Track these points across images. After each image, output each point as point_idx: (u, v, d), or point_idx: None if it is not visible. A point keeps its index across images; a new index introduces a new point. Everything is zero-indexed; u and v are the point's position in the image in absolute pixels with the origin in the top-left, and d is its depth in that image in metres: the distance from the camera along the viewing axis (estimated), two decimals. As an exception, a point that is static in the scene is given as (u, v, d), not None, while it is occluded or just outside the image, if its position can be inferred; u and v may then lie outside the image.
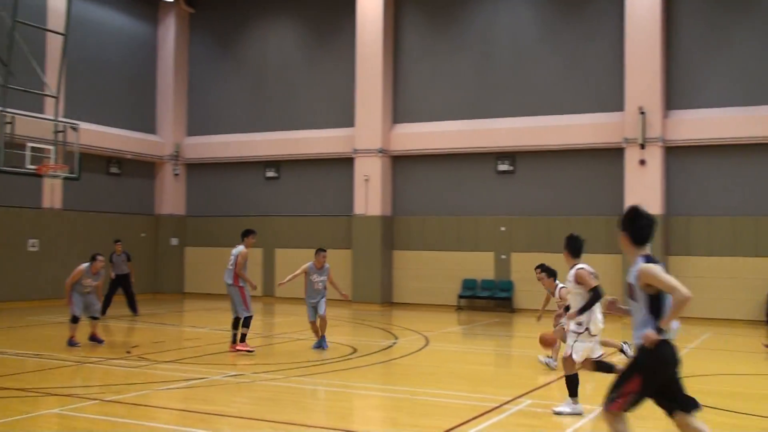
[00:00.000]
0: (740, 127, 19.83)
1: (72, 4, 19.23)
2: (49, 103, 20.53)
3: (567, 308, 9.29)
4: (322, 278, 13.89)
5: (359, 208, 23.55)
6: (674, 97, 20.63)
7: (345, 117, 24.31)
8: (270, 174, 25.83)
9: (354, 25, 23.88)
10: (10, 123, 16.29)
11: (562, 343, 10.74)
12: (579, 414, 8.70)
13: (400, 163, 23.87)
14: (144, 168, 26.59)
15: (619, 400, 5.66)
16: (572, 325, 9.03)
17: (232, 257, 13.30)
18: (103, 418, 8.36)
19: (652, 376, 5.62)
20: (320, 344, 13.82)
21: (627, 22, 20.53)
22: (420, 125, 23.49)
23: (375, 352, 13.83)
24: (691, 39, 20.63)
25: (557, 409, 8.82)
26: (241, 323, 13.21)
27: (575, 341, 8.94)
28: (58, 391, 9.81)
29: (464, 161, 22.98)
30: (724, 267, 19.89)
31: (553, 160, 21.99)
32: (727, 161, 20.16)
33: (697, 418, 5.72)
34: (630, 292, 5.76)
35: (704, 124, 20.18)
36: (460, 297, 22.62)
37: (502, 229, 22.40)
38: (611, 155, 21.14)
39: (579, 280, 9.02)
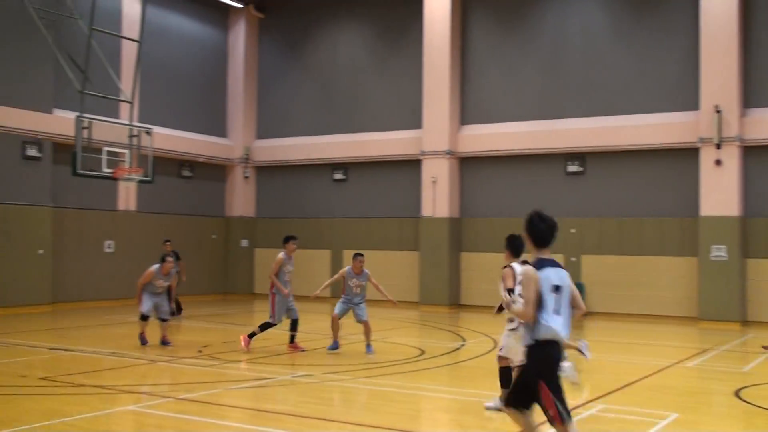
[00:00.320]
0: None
1: (146, 12, 19.71)
2: (124, 108, 21.12)
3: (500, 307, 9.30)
4: (361, 283, 13.64)
5: (427, 210, 23.50)
6: (752, 96, 19.98)
7: (412, 119, 24.30)
8: (338, 176, 26.00)
9: (421, 26, 23.86)
10: (87, 128, 16.76)
11: None
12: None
13: (468, 164, 23.73)
14: (215, 171, 27.09)
15: (551, 412, 5.85)
16: (506, 323, 9.13)
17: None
18: (176, 415, 8.52)
19: (530, 374, 5.93)
20: (335, 346, 13.57)
21: (702, 18, 19.98)
22: (488, 126, 23.32)
23: (443, 355, 13.77)
24: (770, 35, 19.99)
25: (489, 405, 8.97)
26: (259, 326, 13.52)
27: (506, 338, 9.10)
28: (133, 389, 10.05)
29: (533, 162, 22.72)
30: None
31: (625, 161, 21.55)
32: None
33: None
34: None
35: (784, 122, 19.54)
36: (529, 299, 22.32)
37: (572, 231, 22.06)
38: (685, 155, 20.61)
39: (503, 278, 8.84)
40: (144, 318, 13.95)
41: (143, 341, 13.92)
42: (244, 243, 27.05)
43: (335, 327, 13.59)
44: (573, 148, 21.96)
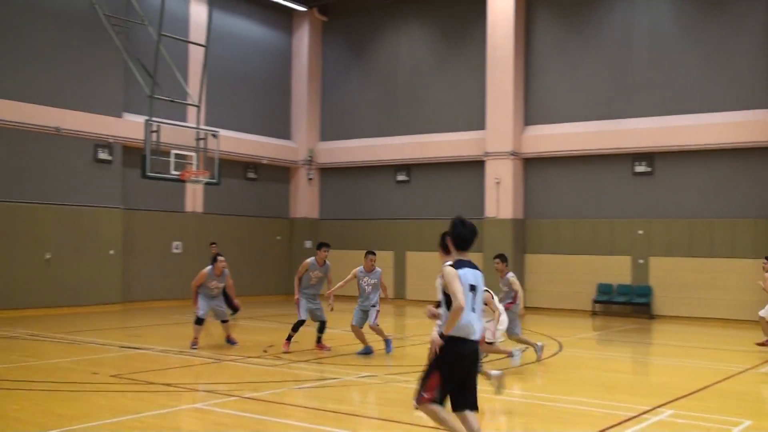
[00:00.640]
0: None
1: (212, 17, 20.05)
2: (192, 111, 21.53)
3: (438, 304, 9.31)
4: (372, 281, 13.41)
5: (490, 211, 23.34)
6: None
7: (476, 120, 24.17)
8: (401, 177, 26.02)
9: (485, 26, 23.72)
10: (155, 131, 17.13)
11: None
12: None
13: (533, 165, 23.49)
14: (279, 173, 27.40)
15: (425, 395, 6.30)
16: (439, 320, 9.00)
17: None
18: (241, 414, 8.62)
19: (448, 370, 6.26)
20: (368, 350, 13.24)
21: (775, 13, 19.39)
22: (553, 126, 23.04)
23: (506, 357, 13.62)
24: None
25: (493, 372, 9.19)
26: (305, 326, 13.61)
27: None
28: (199, 387, 10.22)
29: (599, 163, 22.36)
30: None
31: (695, 161, 21.05)
32: None
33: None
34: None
35: None
36: (595, 302, 22.01)
37: (640, 232, 21.64)
38: (757, 155, 20.04)
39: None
40: (199, 322, 13.81)
41: (194, 345, 13.76)
42: (308, 244, 27.26)
43: (359, 335, 13.35)
44: (640, 148, 21.54)
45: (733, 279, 20.26)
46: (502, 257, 13.33)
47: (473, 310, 6.36)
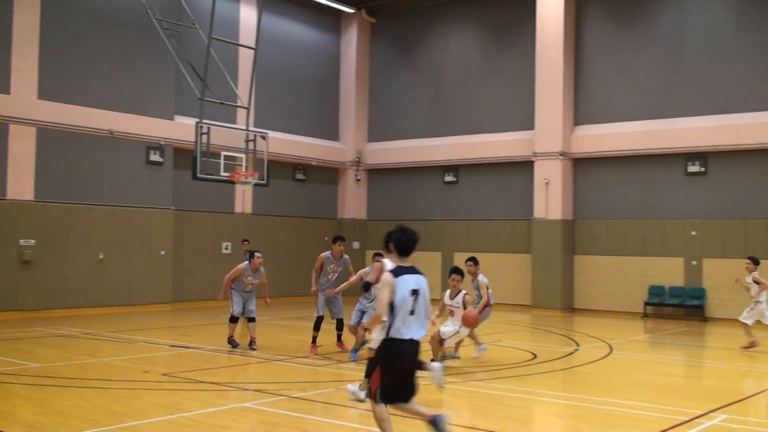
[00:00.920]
0: None
1: (262, 20, 20.22)
2: (241, 113, 21.75)
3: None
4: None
5: (539, 212, 23.14)
6: None
7: (525, 120, 23.98)
8: (449, 178, 25.95)
9: (534, 26, 23.53)
10: (206, 133, 17.31)
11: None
12: (361, 401, 8.98)
13: (582, 165, 23.22)
14: (327, 174, 27.54)
15: (373, 391, 6.71)
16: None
17: None
18: (289, 413, 8.68)
19: (387, 368, 6.66)
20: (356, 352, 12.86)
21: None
22: (603, 126, 22.75)
23: (556, 359, 13.51)
24: None
25: (350, 387, 9.43)
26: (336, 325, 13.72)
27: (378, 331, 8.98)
28: (248, 386, 10.32)
29: (651, 163, 22.01)
30: None
31: (750, 160, 20.58)
32: None
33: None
34: None
35: None
36: (647, 304, 21.67)
37: (693, 233, 21.24)
38: (816, 153, 19.51)
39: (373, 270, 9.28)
40: (234, 320, 13.91)
41: (234, 344, 13.79)
42: (356, 245, 27.35)
43: (359, 335, 12.99)
44: (693, 147, 21.15)
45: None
46: (473, 260, 13.68)
47: (413, 313, 6.67)
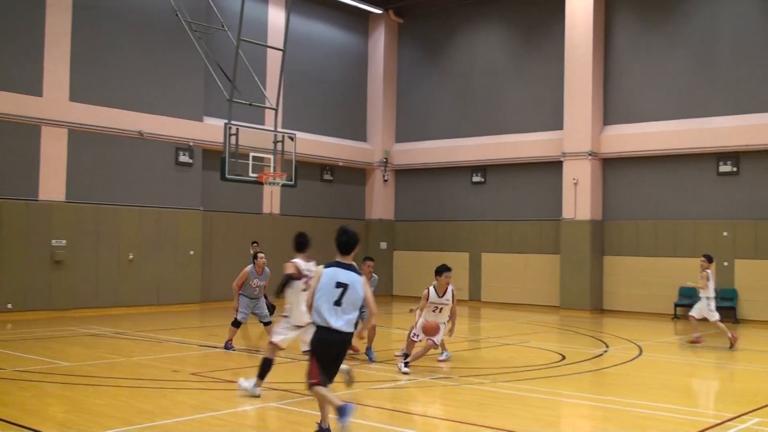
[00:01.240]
0: None
1: (290, 21, 20.30)
2: (269, 114, 21.83)
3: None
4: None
5: (568, 213, 22.99)
6: None
7: (553, 120, 23.85)
8: (476, 179, 25.87)
9: (563, 26, 23.38)
10: (234, 134, 17.41)
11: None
12: (256, 396, 9.29)
13: (612, 165, 23.04)
14: (355, 174, 27.58)
15: (311, 380, 7.29)
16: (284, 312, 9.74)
17: None
18: (316, 413, 8.67)
19: (318, 355, 7.29)
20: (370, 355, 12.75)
21: None
22: (633, 126, 22.55)
23: (584, 360, 13.41)
24: None
25: (241, 381, 9.63)
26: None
27: (280, 326, 9.69)
28: (276, 386, 10.34)
29: (681, 163, 21.78)
30: None
31: (783, 160, 20.29)
32: None
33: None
34: None
35: None
36: (677, 305, 21.43)
37: (725, 234, 20.98)
38: None
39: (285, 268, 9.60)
40: (236, 324, 13.73)
41: (229, 347, 13.61)
42: (384, 245, 27.37)
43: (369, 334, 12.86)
44: (725, 147, 20.89)
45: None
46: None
47: (338, 304, 7.22)
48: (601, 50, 23.05)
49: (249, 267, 14.01)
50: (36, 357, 12.51)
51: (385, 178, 27.72)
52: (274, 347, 9.68)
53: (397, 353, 13.02)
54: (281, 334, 9.66)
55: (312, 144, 24.89)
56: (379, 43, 27.79)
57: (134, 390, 9.94)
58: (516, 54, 25.23)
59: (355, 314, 7.32)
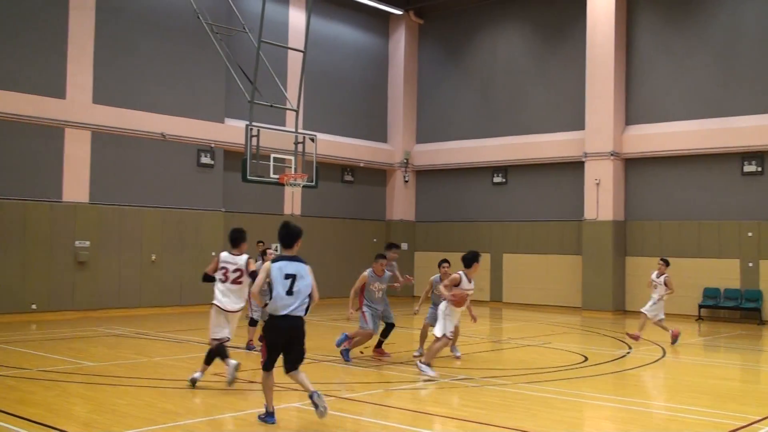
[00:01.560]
0: None
1: (310, 23, 20.35)
2: (290, 116, 21.91)
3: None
4: (382, 287, 12.73)
5: (590, 213, 22.86)
6: None
7: (574, 120, 23.72)
8: (497, 179, 25.79)
9: (584, 25, 23.26)
10: (255, 136, 17.48)
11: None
12: (195, 380, 9.96)
13: (634, 165, 22.87)
14: (376, 175, 27.58)
15: (263, 361, 8.10)
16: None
17: None
18: (339, 414, 8.70)
19: (269, 341, 8.05)
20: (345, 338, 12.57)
21: None
22: (656, 126, 22.38)
23: (607, 362, 13.31)
24: None
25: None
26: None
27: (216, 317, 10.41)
28: (298, 387, 10.34)
29: (705, 162, 21.58)
30: None
31: (809, 159, 20.04)
32: None
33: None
34: None
35: None
36: (701, 307, 21.23)
37: (750, 234, 20.76)
38: None
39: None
40: (253, 323, 13.67)
41: (251, 347, 13.62)
42: (404, 246, 27.34)
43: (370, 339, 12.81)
44: (750, 147, 20.68)
45: None
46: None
47: (290, 294, 7.85)
48: (623, 49, 22.89)
49: (257, 264, 13.89)
50: (60, 357, 12.62)
51: (406, 179, 27.70)
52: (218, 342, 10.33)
53: (416, 353, 13.01)
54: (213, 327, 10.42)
55: (333, 145, 24.92)
56: (399, 43, 27.79)
57: (157, 390, 9.99)
58: (537, 54, 25.12)
59: (306, 301, 7.95)
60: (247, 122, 17.56)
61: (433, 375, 10.97)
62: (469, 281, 11.77)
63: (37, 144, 18.90)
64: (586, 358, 13.54)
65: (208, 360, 10.19)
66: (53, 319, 18.43)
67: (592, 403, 9.92)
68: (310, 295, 7.97)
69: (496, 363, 13.00)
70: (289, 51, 23.16)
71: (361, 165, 26.63)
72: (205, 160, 21.99)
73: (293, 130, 18.98)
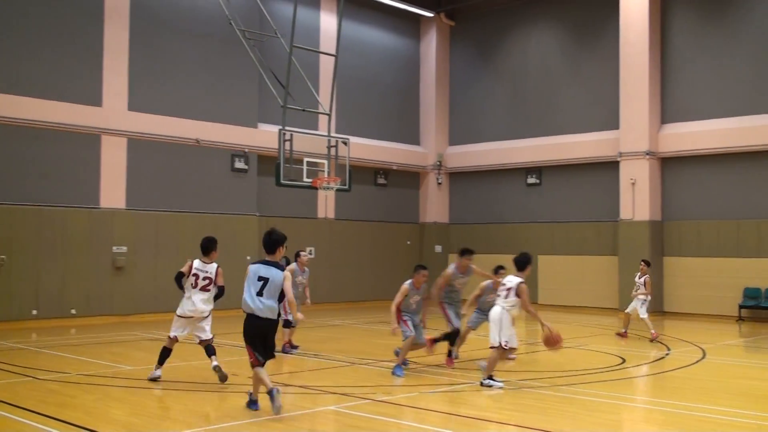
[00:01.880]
0: None
1: (342, 27, 20.42)
2: (323, 119, 22.02)
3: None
4: (418, 298, 12.55)
5: (626, 213, 22.61)
6: None
7: (609, 119, 23.50)
8: (531, 180, 25.63)
9: (617, 25, 23.03)
10: (289, 140, 17.56)
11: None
12: (157, 377, 10.65)
13: (670, 164, 22.59)
14: (409, 178, 27.57)
15: (251, 360, 8.64)
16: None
17: None
18: (373, 416, 8.70)
19: (248, 338, 8.63)
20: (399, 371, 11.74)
21: None
22: (692, 124, 22.09)
23: (645, 364, 13.16)
24: None
25: (153, 374, 10.73)
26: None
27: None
28: (334, 390, 10.38)
29: (743, 161, 21.23)
30: None
31: None
32: None
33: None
34: None
35: None
36: (742, 307, 20.89)
37: (789, 233, 20.38)
38: None
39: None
40: (287, 324, 13.88)
41: (286, 350, 13.72)
42: (438, 249, 27.29)
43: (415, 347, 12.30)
44: (789, 143, 20.31)
45: None
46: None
47: (260, 294, 8.47)
48: (657, 47, 22.63)
49: (293, 265, 14.46)
50: (100, 361, 12.79)
51: (439, 181, 27.65)
52: (172, 341, 11.03)
53: (453, 355, 12.89)
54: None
55: (365, 148, 24.96)
56: (430, 46, 27.76)
57: (194, 393, 10.07)
58: (569, 53, 24.93)
59: (274, 303, 8.51)
60: (280, 127, 17.66)
61: (500, 385, 10.46)
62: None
63: (74, 151, 19.18)
64: (624, 360, 13.39)
65: (161, 360, 10.88)
66: (92, 324, 18.69)
67: (630, 405, 9.81)
68: (281, 300, 8.54)
69: (533, 365, 12.91)
70: (321, 55, 23.25)
71: (394, 168, 26.64)
72: (239, 164, 22.16)
73: (326, 133, 19.04)
